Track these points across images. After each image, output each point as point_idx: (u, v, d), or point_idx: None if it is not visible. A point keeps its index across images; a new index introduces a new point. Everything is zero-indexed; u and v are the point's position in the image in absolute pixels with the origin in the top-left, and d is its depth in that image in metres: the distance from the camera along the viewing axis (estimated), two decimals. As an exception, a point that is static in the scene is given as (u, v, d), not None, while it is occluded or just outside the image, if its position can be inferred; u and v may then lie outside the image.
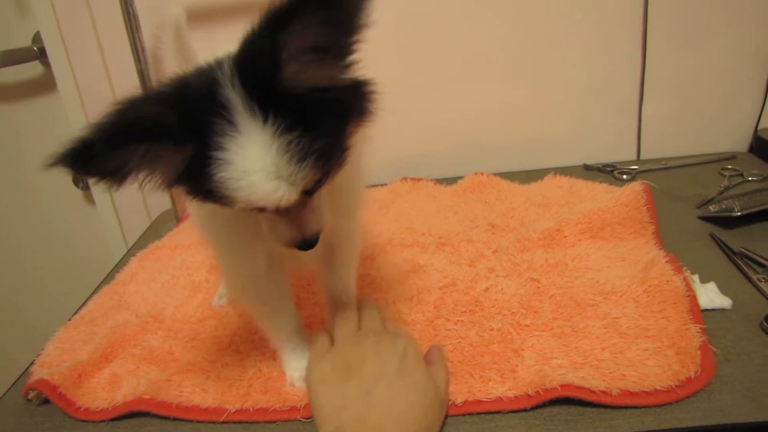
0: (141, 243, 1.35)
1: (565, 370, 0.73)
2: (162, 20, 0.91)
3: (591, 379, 0.71)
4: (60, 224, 1.74)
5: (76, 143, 0.48)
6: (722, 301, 0.84)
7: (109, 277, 1.21)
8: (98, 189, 1.51)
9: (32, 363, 0.93)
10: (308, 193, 0.60)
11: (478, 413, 0.72)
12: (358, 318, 0.81)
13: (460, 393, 0.74)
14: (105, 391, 0.85)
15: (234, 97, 0.53)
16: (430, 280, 1.00)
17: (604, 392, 0.69)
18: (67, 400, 0.83)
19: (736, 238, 1.00)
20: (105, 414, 0.80)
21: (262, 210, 0.61)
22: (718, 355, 0.74)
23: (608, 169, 1.40)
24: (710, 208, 1.12)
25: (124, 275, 1.19)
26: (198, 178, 0.55)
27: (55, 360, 0.92)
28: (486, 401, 0.73)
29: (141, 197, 1.57)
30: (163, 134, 0.52)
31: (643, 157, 1.46)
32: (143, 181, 0.55)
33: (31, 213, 1.73)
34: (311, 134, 0.54)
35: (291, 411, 0.76)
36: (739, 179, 1.26)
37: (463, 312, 0.90)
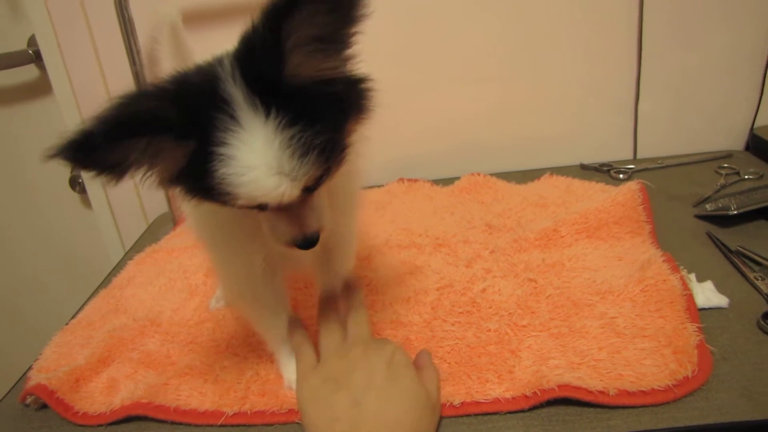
0: (138, 246, 1.35)
1: (563, 371, 0.73)
2: (157, 20, 0.91)
3: (588, 379, 0.71)
4: (57, 228, 1.73)
5: (76, 135, 0.48)
6: (719, 300, 0.84)
7: (106, 281, 1.21)
8: (95, 192, 1.52)
9: (30, 368, 0.93)
10: (309, 191, 0.60)
11: (476, 414, 0.72)
12: (342, 327, 0.80)
13: (457, 394, 0.74)
14: (103, 395, 0.85)
15: (235, 91, 0.53)
16: (427, 282, 1.00)
17: (601, 392, 0.69)
18: (64, 405, 0.83)
19: (732, 237, 1.00)
20: (103, 418, 0.80)
21: (262, 208, 0.61)
22: (715, 354, 0.74)
23: (605, 168, 1.40)
24: (707, 206, 1.12)
25: (121, 279, 1.19)
26: (198, 174, 0.55)
27: (52, 365, 0.92)
28: (483, 402, 0.73)
29: (138, 200, 1.57)
30: (164, 128, 0.52)
31: (639, 156, 1.46)
32: (143, 176, 0.55)
33: (28, 217, 1.73)
34: (313, 129, 0.54)
35: (289, 414, 0.76)
36: (736, 178, 1.26)
37: (460, 313, 0.90)
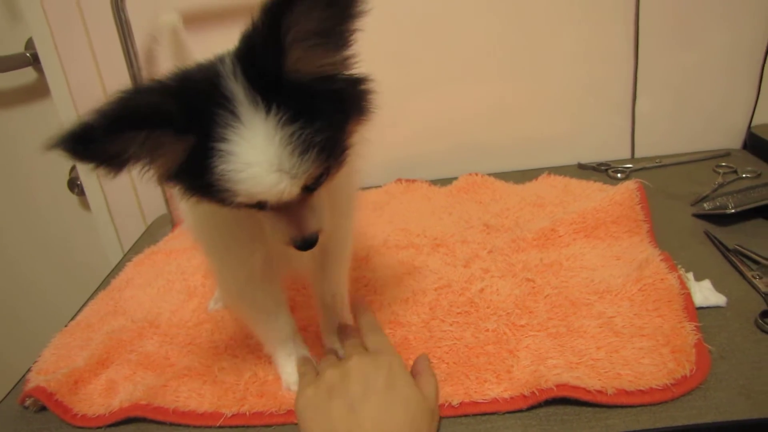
0: (136, 248, 1.36)
1: (561, 370, 0.73)
2: (157, 26, 0.91)
3: (586, 378, 0.71)
4: (56, 230, 1.73)
5: (76, 127, 0.48)
6: (717, 299, 0.84)
7: (104, 283, 1.21)
8: (93, 194, 1.52)
9: (29, 370, 0.93)
10: (309, 191, 0.60)
11: (474, 414, 0.72)
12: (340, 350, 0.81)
13: (456, 394, 0.74)
14: (102, 397, 0.85)
15: (236, 88, 0.53)
16: (426, 282, 1.00)
17: (599, 391, 0.69)
18: (63, 407, 0.83)
19: (730, 236, 1.00)
20: (102, 420, 0.80)
21: (261, 207, 0.61)
22: (713, 352, 0.74)
23: (602, 167, 1.40)
24: (704, 205, 1.12)
25: (119, 281, 1.19)
26: (198, 171, 0.55)
27: (51, 367, 0.92)
28: (482, 402, 0.73)
29: (136, 202, 1.57)
30: (164, 122, 0.52)
31: (637, 155, 1.46)
32: (141, 170, 0.55)
33: (26, 219, 1.73)
34: (313, 127, 0.54)
35: (287, 414, 0.76)
36: (734, 176, 1.26)
37: (458, 313, 0.90)
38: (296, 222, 0.62)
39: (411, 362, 0.80)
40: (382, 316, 0.92)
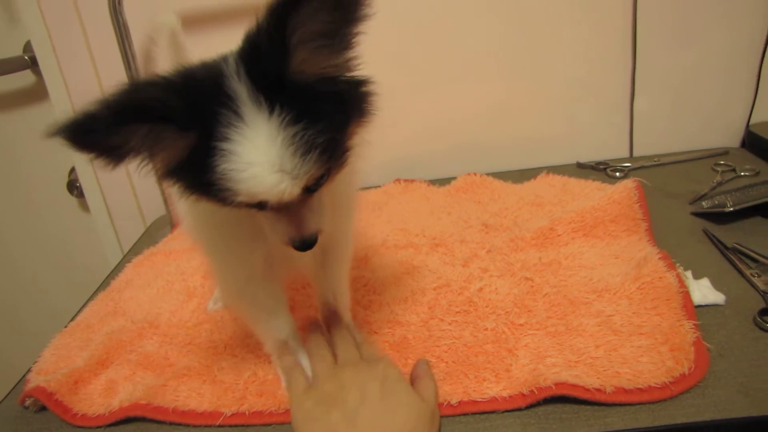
0: (136, 249, 1.36)
1: (560, 369, 0.73)
2: (155, 29, 0.91)
3: (585, 377, 0.71)
4: (55, 231, 1.74)
5: (79, 116, 0.49)
6: (715, 297, 0.84)
7: (104, 284, 1.21)
8: (93, 195, 1.52)
9: (29, 370, 0.93)
10: (310, 191, 0.60)
11: (473, 413, 0.72)
12: (331, 352, 0.80)
13: (455, 393, 0.75)
14: (101, 397, 0.85)
15: (240, 88, 0.54)
16: (424, 281, 1.00)
17: (598, 390, 0.69)
18: (63, 407, 0.83)
19: (729, 234, 1.01)
20: (102, 420, 0.80)
21: (262, 207, 0.61)
22: (711, 351, 0.74)
23: (601, 166, 1.40)
24: (703, 204, 1.12)
25: (119, 281, 1.19)
26: (199, 169, 0.55)
27: (51, 367, 0.92)
28: (481, 401, 0.73)
29: (135, 203, 1.57)
30: (167, 117, 0.52)
31: (635, 154, 1.46)
32: (140, 163, 0.56)
33: (26, 221, 1.73)
34: (315, 128, 0.54)
35: (286, 414, 0.76)
36: (732, 174, 1.26)
37: (457, 312, 0.91)
38: (296, 222, 0.62)
39: (410, 362, 0.80)
40: (382, 315, 0.92)
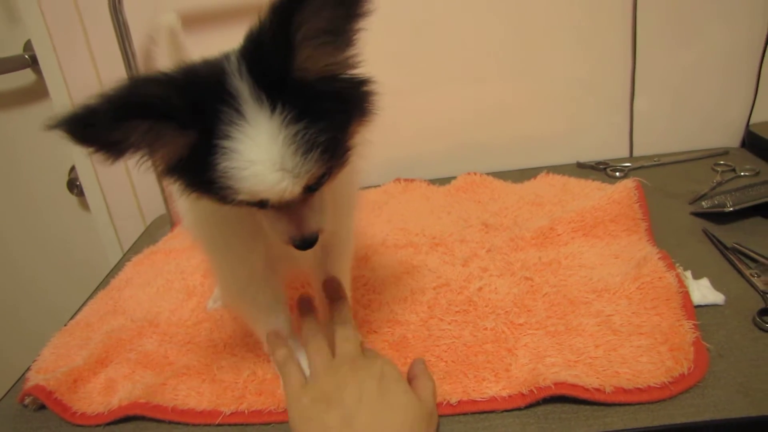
0: (136, 248, 1.36)
1: (559, 368, 0.73)
2: (155, 27, 0.91)
3: (585, 376, 0.71)
4: (55, 230, 1.74)
5: (80, 110, 0.49)
6: (715, 297, 0.84)
7: (104, 283, 1.21)
8: (93, 194, 1.52)
9: (28, 369, 0.93)
10: (310, 190, 0.60)
11: (473, 413, 0.72)
12: (329, 342, 0.77)
13: (454, 393, 0.75)
14: (101, 395, 0.85)
15: (241, 86, 0.54)
16: (424, 281, 1.00)
17: (597, 390, 0.69)
18: (63, 406, 0.83)
19: (728, 234, 1.01)
20: (101, 418, 0.80)
21: (263, 205, 0.61)
22: (711, 351, 0.74)
23: (601, 166, 1.40)
24: (703, 203, 1.12)
25: (119, 280, 1.20)
26: (200, 167, 0.55)
27: (50, 365, 0.92)
28: (480, 401, 0.73)
29: (135, 202, 1.57)
30: (168, 115, 0.52)
31: (635, 154, 1.46)
32: (140, 159, 0.55)
33: (26, 220, 1.73)
34: (317, 127, 0.54)
35: (286, 413, 0.75)
36: (732, 174, 1.26)
37: (456, 312, 0.91)
38: (296, 221, 0.62)
39: (410, 361, 0.80)
40: (381, 314, 0.92)
